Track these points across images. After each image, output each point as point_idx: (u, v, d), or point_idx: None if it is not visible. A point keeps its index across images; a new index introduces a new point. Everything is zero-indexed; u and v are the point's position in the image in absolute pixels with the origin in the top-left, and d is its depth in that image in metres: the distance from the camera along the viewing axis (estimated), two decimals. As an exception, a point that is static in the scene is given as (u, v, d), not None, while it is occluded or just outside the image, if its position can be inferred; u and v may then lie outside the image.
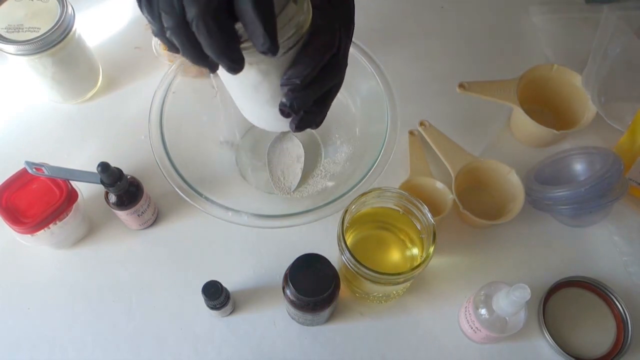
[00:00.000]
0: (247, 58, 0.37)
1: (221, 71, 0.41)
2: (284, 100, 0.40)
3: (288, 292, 0.56)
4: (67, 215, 0.63)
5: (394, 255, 0.62)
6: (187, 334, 0.63)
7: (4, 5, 0.69)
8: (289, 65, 0.40)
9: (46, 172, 0.59)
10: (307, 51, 0.39)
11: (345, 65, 0.43)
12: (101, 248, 0.68)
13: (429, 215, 0.56)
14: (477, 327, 0.58)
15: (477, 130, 0.78)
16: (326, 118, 0.76)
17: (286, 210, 0.59)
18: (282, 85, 0.40)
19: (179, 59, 0.67)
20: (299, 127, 0.43)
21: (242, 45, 0.37)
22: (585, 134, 0.75)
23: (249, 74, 0.40)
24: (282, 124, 0.45)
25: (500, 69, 0.81)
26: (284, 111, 0.41)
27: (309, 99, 0.41)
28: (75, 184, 0.65)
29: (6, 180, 0.62)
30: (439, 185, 0.68)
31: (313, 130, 0.75)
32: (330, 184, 0.70)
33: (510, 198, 0.69)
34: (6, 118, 0.78)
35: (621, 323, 0.64)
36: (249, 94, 0.43)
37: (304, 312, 0.57)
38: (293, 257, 0.55)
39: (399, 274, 0.53)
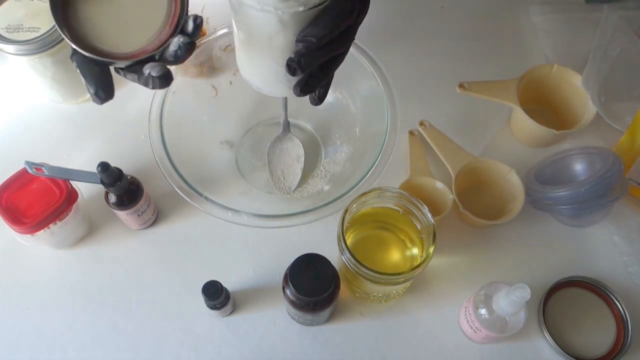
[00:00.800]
0: (274, 3, 0.39)
1: (237, 17, 0.44)
2: (292, 56, 0.42)
3: (288, 292, 0.56)
4: (67, 215, 0.63)
5: (394, 255, 0.62)
6: (187, 334, 0.63)
7: (4, 5, 0.69)
8: (307, 23, 0.41)
9: (46, 172, 0.59)
10: (329, 14, 0.41)
11: (353, 38, 0.45)
12: (101, 248, 0.68)
13: (429, 215, 0.56)
14: (477, 327, 0.58)
15: (477, 130, 0.78)
16: (326, 118, 0.76)
17: (286, 210, 0.59)
18: (297, 41, 0.42)
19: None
20: (303, 90, 0.44)
21: None
22: (585, 134, 0.75)
23: (272, 21, 0.41)
24: (282, 88, 0.47)
25: (500, 69, 0.81)
26: (291, 66, 0.42)
27: (317, 60, 0.42)
28: (75, 184, 0.65)
29: (6, 180, 0.62)
30: (439, 185, 0.68)
31: (313, 130, 0.76)
32: (330, 184, 0.70)
33: (510, 198, 0.69)
34: (6, 118, 0.78)
35: (621, 323, 0.64)
36: (261, 44, 0.44)
37: (304, 312, 0.57)
38: (293, 257, 0.55)
39: (399, 274, 0.53)
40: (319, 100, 0.48)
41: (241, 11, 0.43)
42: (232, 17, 0.45)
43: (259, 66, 0.48)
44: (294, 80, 0.45)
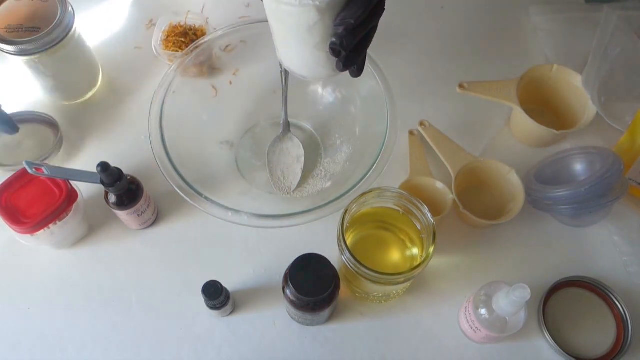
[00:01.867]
0: None
1: (274, 15, 0.47)
2: (334, 39, 0.45)
3: (288, 292, 0.56)
4: (67, 215, 0.63)
5: (394, 255, 0.62)
6: (187, 334, 0.63)
7: (4, 5, 0.69)
8: (342, 7, 0.44)
9: (46, 172, 0.59)
10: None
11: (384, 8, 0.47)
12: (101, 248, 0.68)
13: (429, 215, 0.56)
14: (477, 327, 0.58)
15: (477, 130, 0.78)
16: (326, 118, 0.76)
17: (286, 210, 0.59)
18: (336, 25, 0.44)
19: (179, 59, 0.68)
20: (345, 65, 0.47)
21: None
22: (585, 134, 0.75)
23: (310, 13, 0.43)
24: (323, 70, 0.50)
25: (500, 69, 0.81)
26: (335, 50, 0.45)
27: (356, 38, 0.45)
28: (75, 184, 0.65)
29: (6, 180, 0.62)
30: (439, 185, 0.68)
31: (313, 130, 0.76)
32: (330, 184, 0.70)
33: (510, 198, 0.69)
34: (6, 118, 0.78)
35: (621, 323, 0.64)
36: (301, 35, 0.46)
37: (304, 312, 0.57)
38: (293, 257, 0.55)
39: (399, 274, 0.53)
40: (358, 71, 0.50)
41: (279, 9, 0.45)
42: (268, 15, 0.47)
43: (301, 55, 0.49)
44: (334, 60, 0.47)
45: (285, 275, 0.57)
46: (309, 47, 0.47)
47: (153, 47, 0.78)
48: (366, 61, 0.66)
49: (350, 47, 0.45)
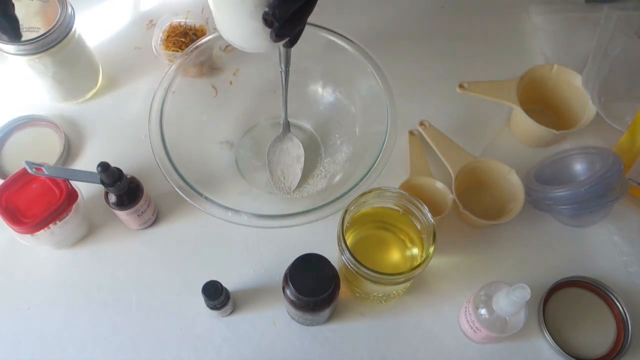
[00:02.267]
0: None
1: None
2: (267, 9, 0.44)
3: (288, 292, 0.56)
4: (67, 215, 0.63)
5: (394, 255, 0.62)
6: (187, 334, 0.63)
7: (4, 5, 0.69)
8: None
9: (46, 172, 0.59)
10: None
11: None
12: (101, 248, 0.68)
13: (429, 215, 0.56)
14: (477, 327, 0.58)
15: (477, 130, 0.78)
16: (326, 118, 0.76)
17: (286, 210, 0.59)
18: None
19: (179, 59, 0.68)
20: (279, 35, 0.46)
21: None
22: (585, 134, 0.75)
23: None
24: (261, 42, 0.49)
25: (500, 69, 0.81)
26: (267, 20, 0.44)
27: (290, 8, 0.45)
28: (75, 184, 0.65)
29: (6, 180, 0.62)
30: (439, 185, 0.68)
31: (313, 130, 0.76)
32: (330, 183, 0.70)
33: (510, 198, 0.69)
34: (6, 118, 0.78)
35: (621, 323, 0.64)
36: (235, 3, 0.46)
37: (304, 312, 0.57)
38: (293, 257, 0.55)
39: (399, 274, 0.53)
40: (290, 43, 0.49)
41: None
42: None
43: (238, 25, 0.49)
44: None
45: (285, 275, 0.57)
46: (244, 17, 0.46)
47: (153, 47, 0.78)
48: (366, 61, 0.66)
49: (283, 18, 0.44)
